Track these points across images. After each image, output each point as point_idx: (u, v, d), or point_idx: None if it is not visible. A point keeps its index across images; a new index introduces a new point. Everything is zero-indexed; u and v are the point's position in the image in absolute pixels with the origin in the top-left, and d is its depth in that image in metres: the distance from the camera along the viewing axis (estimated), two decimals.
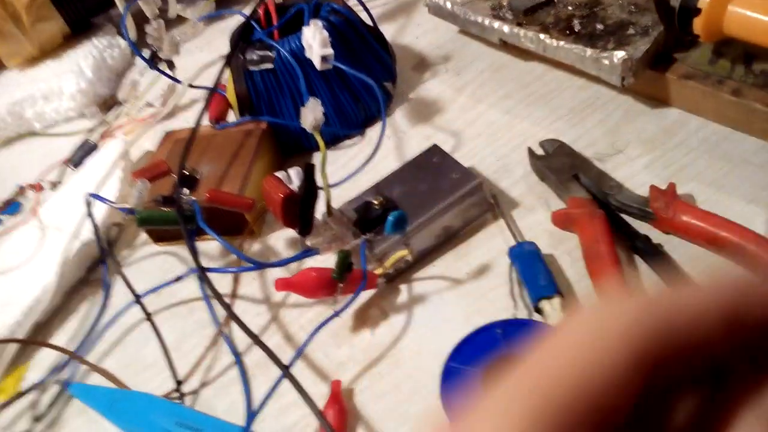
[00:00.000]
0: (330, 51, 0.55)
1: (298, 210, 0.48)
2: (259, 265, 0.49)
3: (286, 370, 0.42)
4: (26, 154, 0.82)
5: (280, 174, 0.50)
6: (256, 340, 0.45)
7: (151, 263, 0.60)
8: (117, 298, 0.58)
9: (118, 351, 0.54)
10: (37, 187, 0.72)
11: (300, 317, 0.51)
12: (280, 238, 0.57)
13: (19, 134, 0.85)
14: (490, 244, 0.51)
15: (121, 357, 0.53)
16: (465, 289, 0.49)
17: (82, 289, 0.60)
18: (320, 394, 0.46)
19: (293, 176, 0.49)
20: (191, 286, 0.56)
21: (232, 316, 0.47)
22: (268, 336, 0.51)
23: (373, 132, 0.64)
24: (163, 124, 0.75)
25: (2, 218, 0.70)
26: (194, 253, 0.50)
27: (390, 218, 0.45)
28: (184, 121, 0.75)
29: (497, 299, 0.47)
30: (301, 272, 0.47)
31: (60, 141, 0.80)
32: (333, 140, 0.64)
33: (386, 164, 0.59)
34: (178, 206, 0.51)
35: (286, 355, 0.48)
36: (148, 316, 0.51)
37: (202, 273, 0.49)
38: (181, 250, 0.60)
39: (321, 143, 0.50)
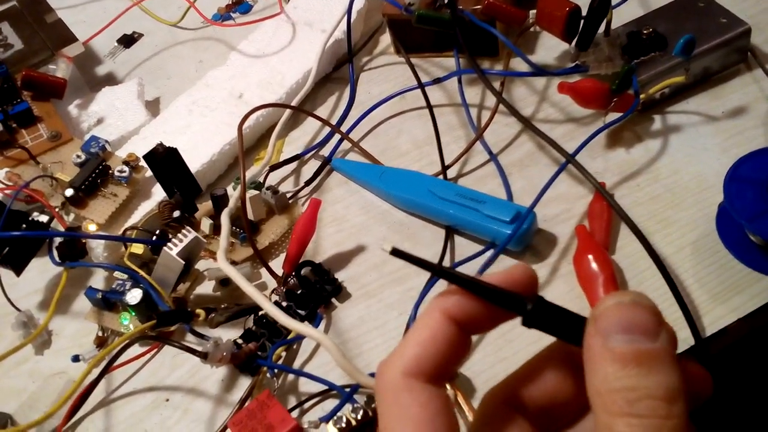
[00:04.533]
0: None
1: (583, 24, 0.51)
2: (538, 72, 0.52)
3: (571, 158, 0.46)
4: None
5: None
6: (532, 128, 0.49)
7: (389, 71, 0.64)
8: (362, 96, 0.62)
9: (369, 139, 0.59)
10: None
11: (551, 131, 0.55)
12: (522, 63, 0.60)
13: None
14: (746, 90, 0.54)
15: (373, 145, 0.58)
16: (721, 125, 0.52)
17: (326, 84, 0.64)
18: (579, 194, 0.50)
19: None
20: (436, 94, 0.60)
21: (505, 103, 0.51)
22: (521, 141, 0.55)
23: None
24: None
25: (233, 15, 0.74)
26: (471, 54, 0.54)
27: (681, 40, 0.47)
28: None
29: (756, 137, 0.51)
30: (583, 80, 0.50)
31: None
32: None
33: (628, 10, 0.60)
34: (455, 9, 0.55)
35: (540, 157, 0.53)
36: (429, 104, 0.55)
37: (479, 73, 0.53)
38: (421, 62, 0.63)
39: None
